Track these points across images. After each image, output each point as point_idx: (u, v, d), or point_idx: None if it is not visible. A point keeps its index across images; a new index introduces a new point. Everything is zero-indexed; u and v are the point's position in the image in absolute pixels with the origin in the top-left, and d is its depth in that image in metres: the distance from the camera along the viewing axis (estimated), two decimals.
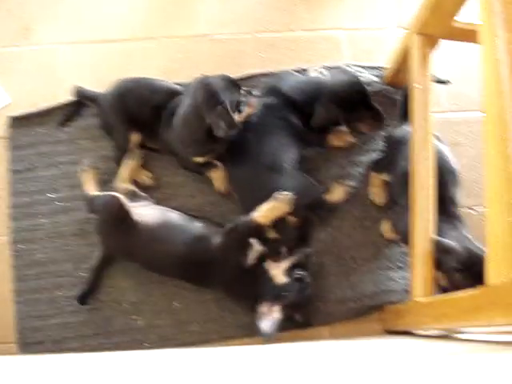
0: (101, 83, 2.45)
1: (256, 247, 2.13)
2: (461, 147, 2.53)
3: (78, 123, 2.49)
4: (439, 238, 1.97)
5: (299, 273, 2.09)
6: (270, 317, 2.05)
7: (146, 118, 2.32)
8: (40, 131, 2.48)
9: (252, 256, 2.12)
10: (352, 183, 2.39)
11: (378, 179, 2.37)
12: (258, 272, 2.11)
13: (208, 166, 2.34)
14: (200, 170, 2.37)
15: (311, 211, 2.31)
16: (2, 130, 2.49)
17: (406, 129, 2.26)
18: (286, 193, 2.09)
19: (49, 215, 2.40)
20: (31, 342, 2.30)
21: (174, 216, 2.22)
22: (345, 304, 2.31)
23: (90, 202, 2.29)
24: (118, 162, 2.36)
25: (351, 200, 2.40)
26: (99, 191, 2.31)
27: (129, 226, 2.16)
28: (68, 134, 2.48)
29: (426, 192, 1.98)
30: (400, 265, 2.35)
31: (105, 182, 2.38)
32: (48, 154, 2.46)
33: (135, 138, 2.36)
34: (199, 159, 2.31)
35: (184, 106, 2.22)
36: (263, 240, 2.17)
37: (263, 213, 2.11)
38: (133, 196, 2.30)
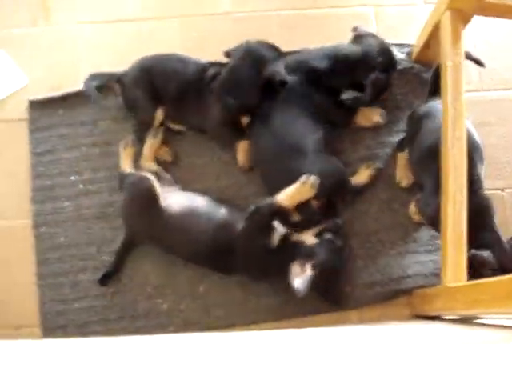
0: (121, 63, 2.40)
1: (279, 230, 2.08)
2: (490, 126, 2.46)
3: (99, 105, 2.43)
4: (475, 252, 1.93)
5: (329, 236, 2.08)
6: (302, 275, 2.01)
7: (173, 94, 2.29)
8: (60, 113, 2.44)
9: (275, 238, 2.07)
10: (379, 165, 2.34)
11: (403, 159, 2.31)
12: (285, 249, 2.08)
13: (237, 134, 2.32)
14: (229, 139, 2.34)
15: (335, 194, 2.25)
16: (22, 112, 2.46)
17: (430, 104, 2.20)
18: (312, 177, 2.04)
19: (71, 198, 2.37)
20: (54, 326, 2.28)
21: (200, 203, 2.18)
22: (372, 288, 2.26)
23: (123, 179, 2.27)
24: (141, 140, 2.34)
25: (378, 182, 2.35)
26: (134, 170, 2.29)
27: (155, 210, 2.13)
28: (88, 115, 2.44)
29: (459, 172, 1.91)
30: (429, 248, 2.29)
31: None
32: (69, 136, 2.42)
33: (160, 114, 2.33)
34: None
35: (235, 64, 2.25)
36: (286, 223, 2.12)
37: (287, 196, 2.06)
38: (157, 176, 2.27)
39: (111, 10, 2.62)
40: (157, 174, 2.29)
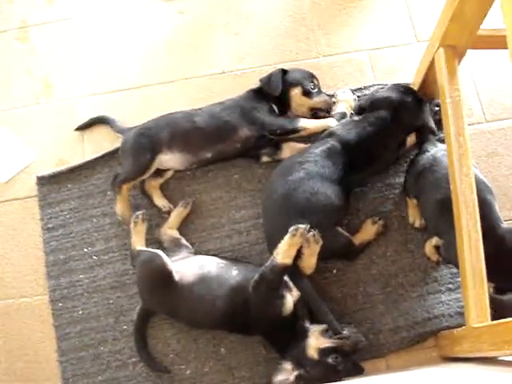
0: None
1: (289, 297, 2.05)
2: (499, 157, 2.44)
3: (106, 174, 2.47)
4: (493, 296, 1.91)
5: (335, 360, 1.95)
6: (285, 376, 1.99)
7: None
8: (69, 186, 2.47)
9: (288, 306, 2.04)
10: (382, 222, 2.30)
11: (413, 203, 2.29)
12: (297, 327, 2.05)
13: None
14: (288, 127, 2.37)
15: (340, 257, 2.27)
16: (31, 189, 2.50)
17: (430, 154, 2.19)
18: (300, 226, 1.99)
19: (85, 270, 2.37)
20: None
21: (211, 267, 2.15)
22: (397, 333, 2.21)
23: (134, 256, 2.26)
24: (123, 183, 2.35)
25: (392, 224, 2.33)
26: (145, 246, 2.29)
27: (169, 286, 2.11)
28: (96, 186, 2.46)
29: (471, 210, 1.88)
30: (450, 287, 2.24)
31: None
32: (79, 208, 2.44)
33: (163, 160, 2.37)
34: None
35: None
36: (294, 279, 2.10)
37: (283, 252, 2.00)
38: (176, 245, 2.29)
39: (110, 80, 2.67)
40: (177, 242, 2.31)
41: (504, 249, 1.98)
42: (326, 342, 1.98)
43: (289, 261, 2.01)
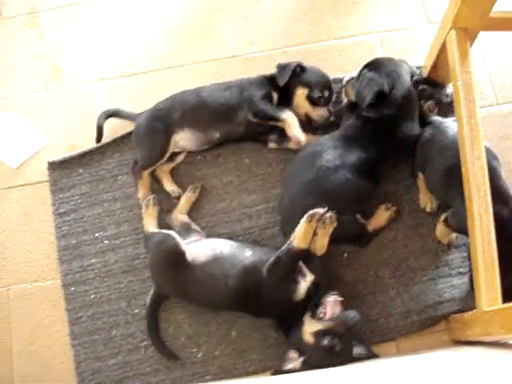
0: None
1: (303, 283, 2.05)
2: (510, 140, 2.42)
3: (117, 159, 2.48)
4: None
5: (329, 341, 1.95)
6: (292, 363, 2.01)
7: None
8: (80, 171, 2.48)
9: (301, 291, 2.04)
10: (396, 208, 2.30)
11: (423, 184, 2.28)
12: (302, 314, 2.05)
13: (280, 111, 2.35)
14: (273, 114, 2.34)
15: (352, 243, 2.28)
16: (42, 174, 2.51)
17: (433, 125, 2.20)
18: (316, 210, 2.00)
19: (97, 255, 2.39)
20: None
21: (224, 248, 2.16)
22: (408, 317, 2.21)
23: (147, 238, 2.28)
24: (142, 169, 2.37)
25: (403, 209, 2.33)
26: (158, 228, 2.31)
27: (182, 267, 2.12)
28: (107, 171, 2.47)
29: (482, 193, 1.87)
30: (461, 270, 2.24)
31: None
32: (90, 193, 2.46)
33: (177, 139, 2.38)
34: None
35: None
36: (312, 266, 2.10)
37: (299, 236, 2.01)
38: (187, 229, 2.30)
39: (120, 65, 2.67)
40: (188, 226, 2.32)
41: None
42: (317, 325, 1.99)
43: (305, 245, 2.02)
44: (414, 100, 2.21)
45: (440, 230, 2.24)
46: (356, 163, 2.13)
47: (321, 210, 2.00)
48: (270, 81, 2.38)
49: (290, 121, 2.30)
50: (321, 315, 2.00)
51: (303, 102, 2.36)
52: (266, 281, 2.04)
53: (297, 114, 2.35)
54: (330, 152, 2.15)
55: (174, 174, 2.44)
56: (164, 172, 2.42)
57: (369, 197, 2.24)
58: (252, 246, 2.21)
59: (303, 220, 2.00)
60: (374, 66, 2.20)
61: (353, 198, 2.15)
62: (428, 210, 2.29)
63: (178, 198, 2.39)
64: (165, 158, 2.36)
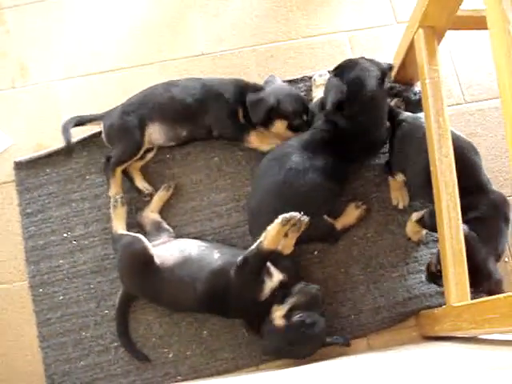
0: None
1: (269, 283, 2.05)
2: (478, 137, 2.46)
3: (85, 158, 2.44)
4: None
5: (300, 316, 1.98)
6: None
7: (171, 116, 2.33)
8: (47, 171, 2.44)
9: (266, 291, 2.04)
10: (365, 206, 2.31)
11: (396, 182, 2.29)
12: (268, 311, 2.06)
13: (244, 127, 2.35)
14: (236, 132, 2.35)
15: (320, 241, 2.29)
16: (9, 174, 2.46)
17: (408, 121, 2.20)
18: (293, 214, 1.98)
19: (66, 255, 2.35)
20: None
21: (192, 250, 2.14)
22: (378, 313, 2.23)
23: (116, 240, 2.25)
24: (115, 166, 2.33)
25: (373, 205, 2.34)
26: (126, 229, 2.28)
27: (150, 271, 2.11)
28: (75, 170, 2.43)
29: (451, 190, 1.90)
30: None
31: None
32: (58, 193, 2.41)
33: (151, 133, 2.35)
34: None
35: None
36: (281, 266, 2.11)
37: (269, 237, 1.99)
38: (158, 228, 2.29)
39: (87, 63, 2.63)
40: (159, 225, 2.30)
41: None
42: (284, 307, 2.01)
43: (274, 247, 2.01)
44: (379, 105, 2.16)
45: (410, 227, 2.27)
46: (324, 166, 2.14)
47: (297, 215, 1.98)
48: (240, 92, 2.33)
49: (256, 143, 2.34)
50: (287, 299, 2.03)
51: (284, 131, 2.31)
52: (233, 281, 2.03)
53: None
54: (299, 154, 2.15)
55: (143, 172, 2.41)
56: (135, 169, 2.39)
57: (336, 198, 2.26)
58: (221, 246, 2.20)
59: (277, 222, 1.97)
60: (339, 70, 2.16)
61: (321, 200, 2.16)
62: (400, 207, 2.31)
63: (150, 195, 2.37)
64: (140, 153, 2.34)
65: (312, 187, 2.11)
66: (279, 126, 2.30)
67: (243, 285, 2.03)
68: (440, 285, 2.03)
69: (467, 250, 1.89)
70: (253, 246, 2.02)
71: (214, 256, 2.11)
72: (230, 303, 2.07)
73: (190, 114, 2.32)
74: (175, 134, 2.36)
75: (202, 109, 2.31)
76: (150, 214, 2.33)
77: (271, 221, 1.98)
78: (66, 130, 2.36)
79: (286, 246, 2.10)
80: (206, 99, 2.31)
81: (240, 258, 2.02)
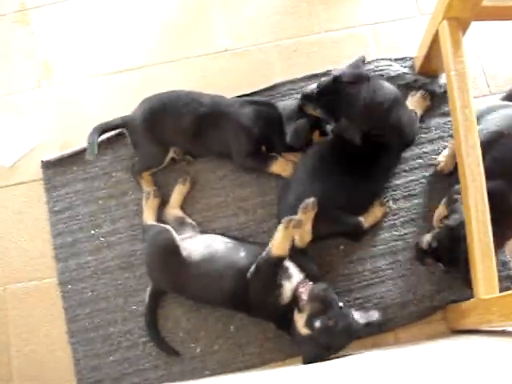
0: (126, 112, 2.39)
1: (288, 285, 2.04)
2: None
3: (111, 156, 2.47)
4: None
5: (320, 322, 1.95)
6: None
7: (188, 127, 2.28)
8: (74, 169, 2.47)
9: (286, 294, 2.03)
10: (394, 206, 2.32)
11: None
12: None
13: (267, 159, 2.32)
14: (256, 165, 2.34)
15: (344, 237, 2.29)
16: (36, 173, 2.50)
17: None
18: (292, 217, 2.00)
19: (93, 252, 2.39)
20: (91, 381, 2.28)
21: (219, 247, 2.15)
22: (406, 308, 2.22)
23: (145, 230, 2.28)
24: (140, 173, 2.37)
25: (400, 200, 2.34)
26: (156, 221, 2.31)
27: (176, 262, 2.12)
28: (101, 168, 2.46)
29: (478, 183, 1.88)
30: None
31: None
32: (85, 190, 2.45)
33: (171, 154, 2.37)
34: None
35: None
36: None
37: (277, 244, 2.01)
38: (181, 223, 2.30)
39: (111, 62, 2.66)
40: (182, 220, 2.31)
41: None
42: (303, 316, 1.99)
43: (283, 252, 2.02)
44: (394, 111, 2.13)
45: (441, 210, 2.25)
46: (354, 166, 2.16)
47: (296, 216, 2.00)
48: (263, 123, 2.28)
49: (278, 171, 2.33)
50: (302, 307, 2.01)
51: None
52: (250, 287, 2.04)
53: None
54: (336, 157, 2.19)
55: (168, 169, 2.42)
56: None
57: (371, 196, 2.28)
58: (247, 244, 2.20)
59: (280, 227, 1.99)
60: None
61: (352, 198, 2.17)
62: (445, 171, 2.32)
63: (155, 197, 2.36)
64: (164, 164, 2.37)
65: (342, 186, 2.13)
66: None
67: (260, 292, 2.04)
68: (425, 264, 2.12)
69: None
70: (263, 254, 2.03)
71: (241, 254, 2.11)
72: (253, 307, 2.09)
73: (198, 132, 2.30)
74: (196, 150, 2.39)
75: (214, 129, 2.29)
76: (172, 210, 2.35)
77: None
78: (92, 144, 2.27)
79: (301, 241, 2.10)
80: (228, 127, 2.29)
81: (252, 268, 2.03)
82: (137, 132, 2.32)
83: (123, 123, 2.36)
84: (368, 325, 2.03)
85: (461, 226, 1.96)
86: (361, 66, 2.12)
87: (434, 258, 2.08)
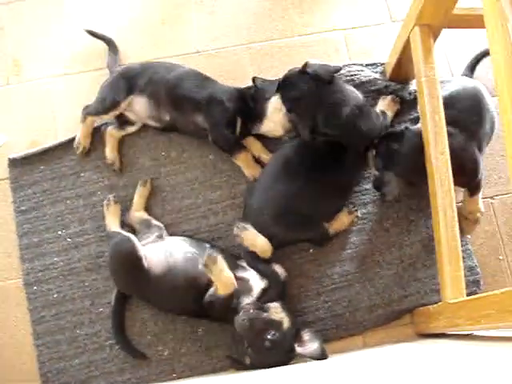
0: None
1: (249, 298, 2.06)
2: None
3: (78, 156, 2.43)
4: None
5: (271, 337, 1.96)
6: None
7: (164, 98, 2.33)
8: (41, 168, 2.43)
9: (244, 315, 2.01)
10: (358, 214, 2.33)
11: None
12: None
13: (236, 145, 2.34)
14: (230, 143, 2.33)
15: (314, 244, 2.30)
16: (3, 171, 2.45)
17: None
18: (211, 253, 2.02)
19: (60, 253, 2.35)
20: None
21: (178, 258, 2.13)
22: (373, 311, 2.24)
23: (109, 237, 2.25)
24: (90, 114, 2.40)
25: (369, 204, 2.35)
26: (119, 227, 2.28)
27: (138, 272, 2.10)
28: (70, 167, 2.43)
29: (446, 188, 1.91)
30: (426, 264, 2.27)
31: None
32: (52, 190, 2.40)
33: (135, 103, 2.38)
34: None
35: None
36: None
37: (221, 287, 2.01)
38: (147, 226, 2.28)
39: (81, 60, 2.63)
40: (147, 223, 2.29)
41: None
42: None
43: (230, 290, 2.01)
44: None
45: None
46: (323, 171, 2.17)
47: (214, 255, 2.01)
48: (241, 102, 2.32)
49: (242, 163, 2.35)
50: None
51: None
52: (207, 310, 2.07)
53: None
54: (299, 160, 2.20)
55: (138, 170, 2.41)
56: (112, 137, 2.42)
57: (337, 202, 2.31)
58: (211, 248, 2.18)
59: (211, 273, 2.00)
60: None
61: (322, 205, 2.21)
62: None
63: (111, 165, 2.39)
64: (110, 113, 2.37)
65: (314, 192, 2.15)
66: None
67: (219, 313, 2.07)
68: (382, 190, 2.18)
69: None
70: (210, 291, 2.04)
71: (199, 267, 2.08)
72: (214, 318, 2.13)
73: (180, 103, 2.31)
74: (158, 114, 2.36)
75: (196, 106, 2.30)
76: (135, 213, 2.32)
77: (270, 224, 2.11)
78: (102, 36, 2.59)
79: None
80: (205, 102, 2.29)
81: (206, 297, 2.04)
82: (110, 77, 2.43)
83: (110, 69, 2.51)
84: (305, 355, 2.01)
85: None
86: (330, 70, 2.13)
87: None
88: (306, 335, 2.02)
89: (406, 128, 2.15)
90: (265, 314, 1.99)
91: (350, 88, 2.19)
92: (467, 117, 2.17)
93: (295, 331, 2.01)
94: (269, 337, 1.94)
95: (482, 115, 2.19)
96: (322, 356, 1.95)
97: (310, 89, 2.11)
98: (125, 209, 2.34)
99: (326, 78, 2.10)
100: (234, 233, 2.07)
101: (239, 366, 2.07)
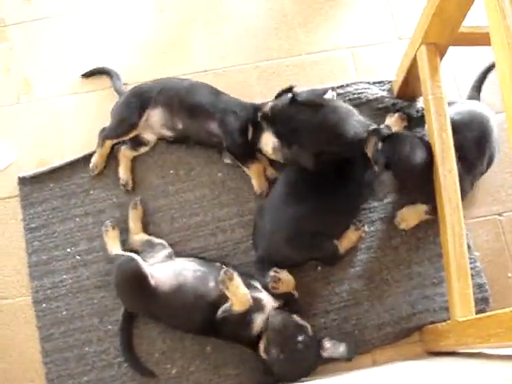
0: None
1: (258, 319, 2.04)
2: None
3: (88, 174, 2.45)
4: None
5: (274, 350, 1.97)
6: None
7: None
8: (51, 186, 2.45)
9: (257, 327, 2.04)
10: (365, 229, 2.32)
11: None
12: None
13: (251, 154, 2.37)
14: (244, 156, 2.36)
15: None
16: (13, 189, 2.47)
17: None
18: (226, 269, 2.00)
19: (69, 270, 2.35)
20: None
21: (188, 276, 2.12)
22: (382, 329, 2.22)
23: (111, 261, 2.26)
24: (107, 138, 2.41)
25: (377, 221, 2.35)
26: (121, 250, 2.29)
27: (146, 290, 2.10)
28: (79, 185, 2.44)
29: (454, 205, 1.91)
30: (435, 281, 2.27)
31: (123, 230, 2.35)
32: (61, 208, 2.42)
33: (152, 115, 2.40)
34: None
35: None
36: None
37: (236, 303, 2.00)
38: (150, 245, 2.28)
39: (91, 80, 2.65)
40: (150, 243, 2.29)
41: None
42: (263, 341, 2.02)
43: (241, 307, 2.01)
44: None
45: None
46: (331, 191, 2.17)
47: (230, 273, 1.99)
48: (253, 112, 2.34)
49: (253, 174, 2.36)
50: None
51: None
52: (219, 327, 2.06)
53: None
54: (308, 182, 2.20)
55: (146, 188, 2.43)
56: (125, 157, 2.43)
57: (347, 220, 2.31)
58: (216, 272, 2.11)
59: (226, 290, 1.99)
60: None
61: (333, 223, 2.23)
62: (402, 227, 2.33)
63: (124, 186, 2.40)
64: (130, 135, 2.38)
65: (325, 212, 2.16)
66: None
67: (230, 331, 2.06)
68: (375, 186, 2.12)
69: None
70: (226, 306, 2.02)
71: (210, 285, 2.09)
72: (224, 337, 2.12)
73: (193, 110, 2.34)
74: (171, 123, 2.38)
75: (209, 115, 2.33)
76: (135, 237, 2.32)
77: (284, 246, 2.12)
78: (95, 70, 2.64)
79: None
80: (221, 107, 2.34)
81: (219, 313, 2.03)
82: (121, 98, 2.46)
83: (118, 91, 2.54)
84: (332, 358, 2.05)
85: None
86: (320, 94, 2.15)
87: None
88: (327, 342, 2.04)
89: (422, 136, 2.17)
90: (293, 316, 2.03)
91: (339, 103, 2.20)
92: (470, 147, 2.18)
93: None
94: (300, 339, 1.96)
95: (484, 150, 2.22)
96: (353, 354, 2.05)
97: (306, 116, 2.12)
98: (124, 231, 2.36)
99: (319, 102, 2.11)
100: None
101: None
